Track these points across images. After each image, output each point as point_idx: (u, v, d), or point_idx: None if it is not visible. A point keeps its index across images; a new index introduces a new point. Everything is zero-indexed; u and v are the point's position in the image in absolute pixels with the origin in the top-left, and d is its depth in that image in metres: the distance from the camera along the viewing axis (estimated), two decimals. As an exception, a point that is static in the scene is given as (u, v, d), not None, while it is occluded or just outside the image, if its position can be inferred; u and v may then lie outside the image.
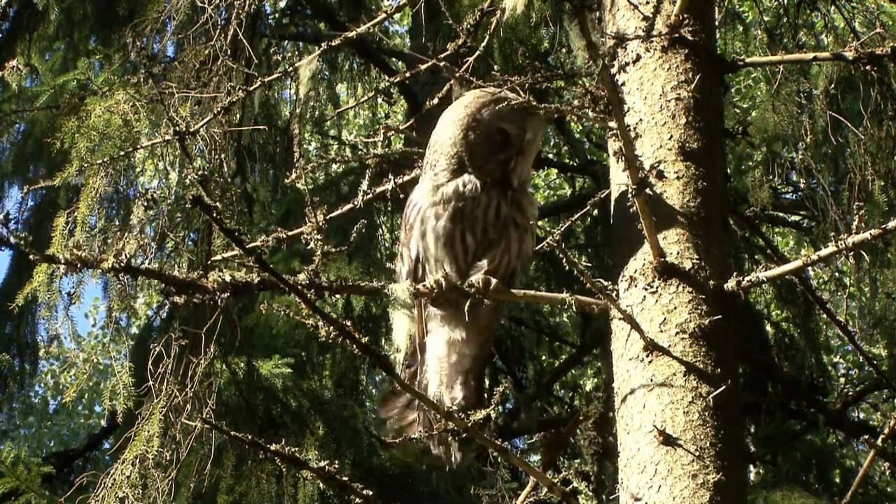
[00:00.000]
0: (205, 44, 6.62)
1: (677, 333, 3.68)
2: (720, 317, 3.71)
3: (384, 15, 5.35)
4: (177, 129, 5.28)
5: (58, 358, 21.10)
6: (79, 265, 3.42)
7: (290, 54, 10.14)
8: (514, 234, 3.99)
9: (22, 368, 9.88)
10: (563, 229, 4.08)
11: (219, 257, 4.65)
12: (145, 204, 4.37)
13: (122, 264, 3.42)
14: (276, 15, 10.94)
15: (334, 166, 8.96)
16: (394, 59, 11.31)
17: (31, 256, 3.41)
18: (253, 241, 3.94)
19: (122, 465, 6.11)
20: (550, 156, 11.74)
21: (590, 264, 3.65)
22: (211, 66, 6.44)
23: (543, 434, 4.07)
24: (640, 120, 4.01)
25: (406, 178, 4.50)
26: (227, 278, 3.54)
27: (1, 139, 9.33)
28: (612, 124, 3.47)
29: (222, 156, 6.49)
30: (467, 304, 3.84)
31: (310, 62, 5.06)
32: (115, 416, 6.11)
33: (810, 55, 4.57)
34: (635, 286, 3.80)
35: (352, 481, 3.66)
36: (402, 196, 4.51)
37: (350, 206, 4.53)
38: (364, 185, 4.46)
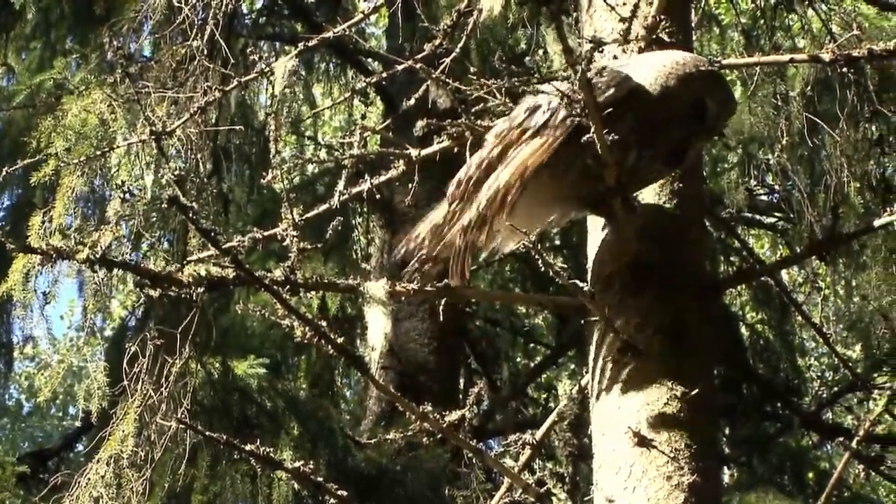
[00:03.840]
0: (181, 43, 6.62)
1: (653, 334, 3.67)
2: (696, 318, 3.71)
3: (361, 15, 5.34)
4: (153, 128, 5.26)
5: (32, 359, 21.03)
6: (54, 256, 3.41)
7: (266, 54, 10.11)
8: None
9: (-4, 368, 9.84)
10: (538, 230, 4.06)
11: (195, 257, 4.63)
12: (121, 196, 4.35)
13: (98, 256, 3.40)
14: (253, 15, 10.93)
15: (310, 167, 8.96)
16: (370, 60, 11.31)
17: (7, 246, 3.40)
18: (229, 241, 3.92)
19: (97, 465, 6.10)
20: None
21: (565, 265, 3.58)
22: (188, 66, 6.44)
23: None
24: (617, 122, 4.00)
25: (382, 178, 4.48)
26: (203, 272, 3.53)
27: (-23, 139, 9.29)
28: (589, 126, 3.46)
29: (199, 156, 6.49)
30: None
31: (286, 60, 5.05)
32: (90, 415, 6.11)
33: (787, 57, 4.55)
34: (611, 287, 3.80)
35: (326, 482, 3.65)
36: (377, 196, 4.50)
37: (326, 206, 4.51)
38: (340, 186, 4.44)
